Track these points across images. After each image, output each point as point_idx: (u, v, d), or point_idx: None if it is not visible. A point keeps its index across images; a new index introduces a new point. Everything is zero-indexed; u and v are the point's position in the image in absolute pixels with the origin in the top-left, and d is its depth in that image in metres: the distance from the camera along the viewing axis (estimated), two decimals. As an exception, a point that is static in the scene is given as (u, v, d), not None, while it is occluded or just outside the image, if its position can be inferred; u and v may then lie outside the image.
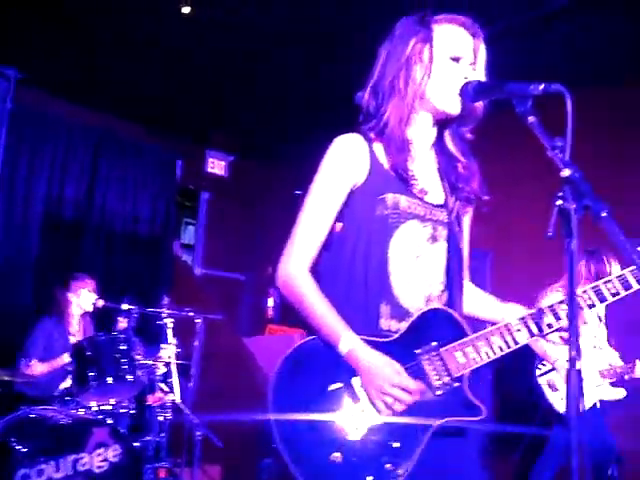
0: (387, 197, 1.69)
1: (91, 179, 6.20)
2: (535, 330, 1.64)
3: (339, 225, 1.73)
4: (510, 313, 1.72)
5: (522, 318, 1.65)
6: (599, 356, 4.01)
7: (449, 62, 1.72)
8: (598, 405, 3.90)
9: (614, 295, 1.67)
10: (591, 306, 1.67)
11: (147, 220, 6.56)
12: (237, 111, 6.33)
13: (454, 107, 1.72)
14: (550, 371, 3.99)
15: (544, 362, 4.01)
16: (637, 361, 3.91)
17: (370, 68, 1.82)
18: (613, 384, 3.95)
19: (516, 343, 1.63)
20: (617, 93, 4.94)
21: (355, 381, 1.59)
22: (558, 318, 1.65)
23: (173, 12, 4.61)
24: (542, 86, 1.48)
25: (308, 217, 1.72)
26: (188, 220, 8.29)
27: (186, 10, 4.62)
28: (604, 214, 1.31)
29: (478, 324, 1.84)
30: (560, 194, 1.36)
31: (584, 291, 1.66)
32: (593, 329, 4.05)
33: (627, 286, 1.66)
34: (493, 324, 1.69)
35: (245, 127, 6.76)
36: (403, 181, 1.72)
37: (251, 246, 7.32)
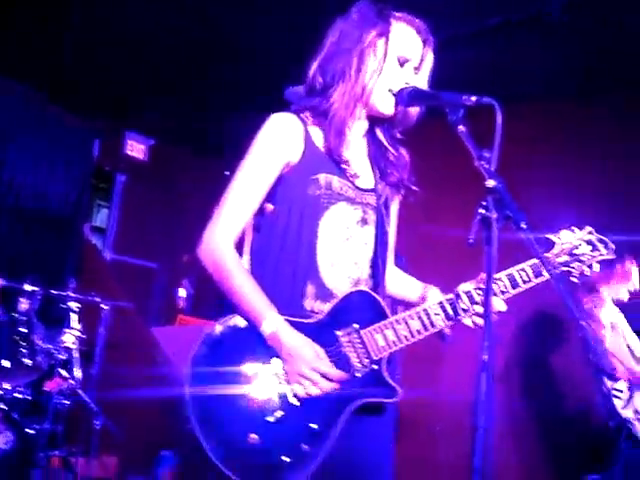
0: (320, 177, 1.71)
1: (2, 150, 5.87)
2: (451, 313, 1.70)
3: (270, 207, 1.73)
4: (430, 296, 1.81)
5: (440, 302, 1.71)
6: None
7: (395, 63, 1.76)
8: None
9: (525, 282, 1.75)
10: (503, 292, 1.73)
11: (57, 200, 6.27)
12: (159, 94, 6.16)
13: (388, 108, 1.76)
14: (631, 398, 3.81)
15: (616, 387, 3.83)
16: None
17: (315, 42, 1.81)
18: None
19: (433, 326, 1.69)
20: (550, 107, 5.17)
21: (275, 362, 1.59)
22: (473, 302, 1.71)
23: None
24: (474, 97, 1.54)
25: (238, 190, 1.70)
26: (101, 202, 8.00)
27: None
28: (523, 225, 1.37)
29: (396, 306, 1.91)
30: (483, 203, 1.41)
31: (499, 278, 1.73)
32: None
33: (538, 273, 1.74)
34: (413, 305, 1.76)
35: (167, 111, 6.59)
36: (336, 163, 1.74)
37: (166, 234, 7.15)
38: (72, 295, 4.26)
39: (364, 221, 1.79)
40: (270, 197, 1.73)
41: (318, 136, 1.77)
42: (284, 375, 1.59)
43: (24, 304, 4.19)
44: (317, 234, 1.71)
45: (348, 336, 1.64)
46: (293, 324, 1.60)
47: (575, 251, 1.82)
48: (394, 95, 1.74)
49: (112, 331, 4.61)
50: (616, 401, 3.81)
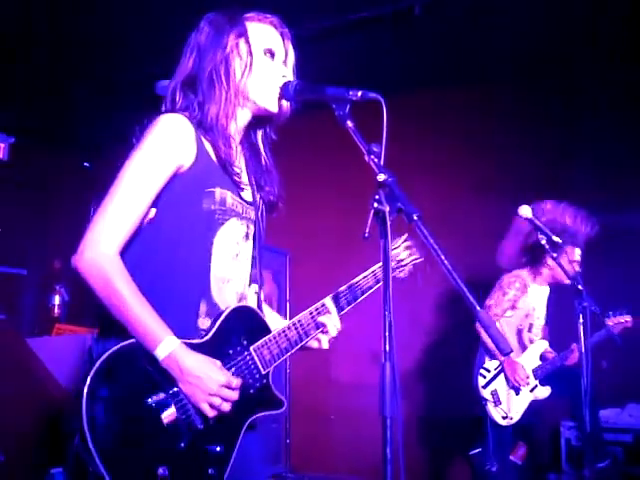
0: (216, 191, 1.65)
1: None
2: (319, 321, 1.77)
3: (152, 211, 1.61)
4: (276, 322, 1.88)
5: (310, 312, 1.78)
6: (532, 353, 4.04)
7: (265, 57, 1.75)
8: None
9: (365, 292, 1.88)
10: (348, 304, 1.85)
11: None
12: (16, 88, 5.74)
13: (273, 105, 1.75)
14: (494, 379, 3.92)
15: (486, 366, 3.94)
16: (575, 345, 3.91)
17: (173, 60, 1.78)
18: (542, 382, 3.97)
19: (307, 335, 1.76)
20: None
21: (179, 387, 1.52)
22: (340, 308, 1.81)
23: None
24: (360, 92, 1.56)
25: (124, 193, 1.53)
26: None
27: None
28: (416, 217, 1.41)
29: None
30: (376, 197, 1.44)
31: (339, 293, 1.84)
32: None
33: (370, 286, 1.88)
34: None
35: (27, 106, 6.16)
36: (229, 177, 1.70)
37: (35, 238, 6.71)
38: None
39: (247, 236, 1.78)
40: (154, 200, 1.60)
41: (208, 145, 1.68)
42: (189, 398, 1.51)
43: None
44: (211, 251, 1.65)
45: (240, 355, 1.64)
46: (186, 345, 1.53)
47: (398, 257, 1.99)
48: (280, 89, 1.73)
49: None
50: (480, 379, 3.95)
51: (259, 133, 1.87)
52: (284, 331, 1.72)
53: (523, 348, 4.07)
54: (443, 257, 1.36)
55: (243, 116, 1.78)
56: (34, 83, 5.60)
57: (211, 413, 1.52)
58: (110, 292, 1.48)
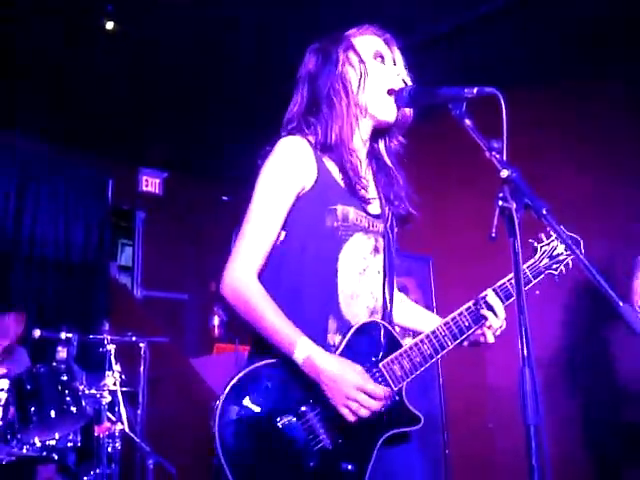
0: (337, 208, 1.67)
1: (18, 205, 5.96)
2: (457, 332, 1.70)
3: (282, 233, 1.67)
4: (433, 322, 1.82)
5: (445, 322, 1.71)
6: None
7: (376, 62, 1.75)
8: None
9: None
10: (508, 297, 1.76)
11: (80, 244, 6.35)
12: (169, 127, 6.23)
13: (390, 114, 1.74)
14: None
15: None
16: None
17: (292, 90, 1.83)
18: None
19: (443, 348, 1.68)
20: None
21: (305, 408, 1.55)
22: (477, 320, 1.72)
23: (96, 28, 4.49)
24: (476, 89, 1.51)
25: (255, 221, 1.62)
26: (124, 241, 8.08)
27: (110, 26, 4.51)
28: (544, 211, 1.33)
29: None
30: (500, 194, 1.38)
31: (498, 287, 1.76)
32: None
33: (527, 280, 1.79)
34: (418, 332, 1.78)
35: (177, 142, 6.65)
36: (351, 192, 1.70)
37: (191, 264, 7.19)
38: (108, 337, 4.30)
39: (376, 250, 1.76)
40: (283, 223, 1.67)
41: (330, 163, 1.71)
42: (329, 401, 1.52)
43: (62, 352, 4.24)
44: (337, 268, 1.66)
45: (369, 372, 1.60)
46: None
47: (554, 252, 1.84)
48: (394, 96, 1.72)
49: (152, 367, 4.64)
50: None
51: (382, 143, 1.86)
52: (416, 345, 1.67)
53: None
54: (578, 251, 1.27)
55: (365, 128, 1.78)
56: (180, 119, 6.05)
57: (351, 417, 1.51)
58: (249, 310, 1.56)
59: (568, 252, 1.85)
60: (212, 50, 4.87)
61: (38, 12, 4.33)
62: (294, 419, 1.53)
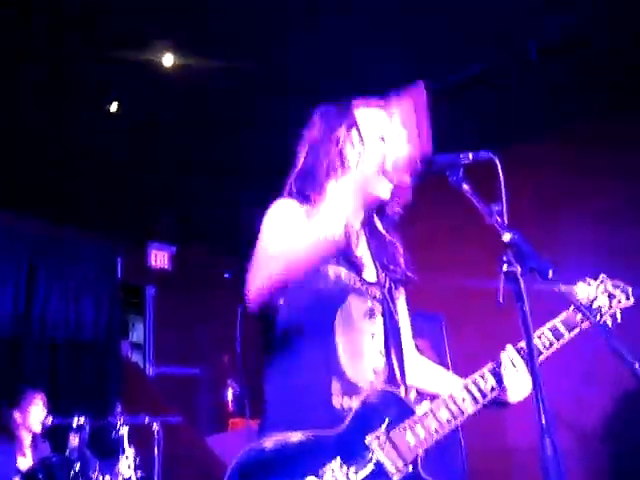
0: (329, 269, 1.68)
1: (28, 288, 5.98)
2: (478, 396, 1.63)
3: (280, 301, 1.68)
4: (452, 384, 1.72)
5: (465, 385, 1.64)
6: None
7: (376, 143, 1.76)
8: None
9: (548, 347, 1.70)
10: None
11: (90, 324, 6.33)
12: (175, 201, 6.32)
13: (385, 192, 1.76)
14: None
15: None
16: None
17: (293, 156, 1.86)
18: None
19: (462, 413, 1.61)
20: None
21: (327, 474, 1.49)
22: (500, 381, 1.65)
23: (100, 109, 4.62)
24: (471, 155, 1.52)
25: (267, 249, 1.65)
26: (135, 317, 8.06)
27: (113, 108, 4.63)
28: (550, 274, 1.31)
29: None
30: (504, 259, 1.37)
31: (521, 348, 1.68)
32: None
33: (558, 335, 1.69)
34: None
35: (185, 216, 6.73)
36: (343, 256, 1.72)
37: (203, 337, 7.14)
38: (120, 420, 4.21)
39: (372, 313, 1.74)
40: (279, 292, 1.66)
41: None
42: None
43: (74, 440, 4.15)
44: (334, 329, 1.65)
45: (377, 440, 1.54)
46: (319, 438, 1.51)
47: (594, 305, 1.76)
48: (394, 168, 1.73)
49: (167, 449, 4.53)
50: None
51: (377, 216, 1.88)
52: (432, 411, 1.61)
53: None
54: (595, 319, 1.24)
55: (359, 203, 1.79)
56: (191, 194, 6.14)
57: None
58: (276, 260, 1.57)
59: (615, 303, 1.76)
60: (214, 125, 4.99)
61: (40, 92, 4.46)
62: None
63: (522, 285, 1.32)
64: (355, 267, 1.74)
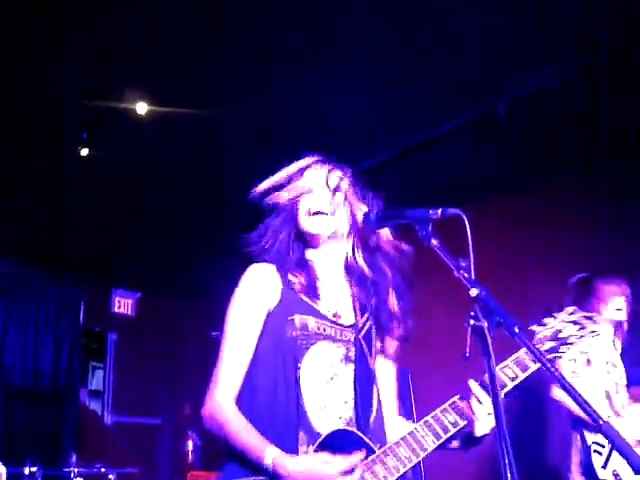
0: (295, 318, 1.69)
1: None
2: (440, 431, 1.61)
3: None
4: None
5: (425, 422, 1.62)
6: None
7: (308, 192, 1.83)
8: None
9: (513, 379, 1.68)
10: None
11: (49, 370, 6.15)
12: (140, 248, 6.26)
13: (312, 229, 1.79)
14: (610, 456, 3.18)
15: (597, 440, 3.20)
16: None
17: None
18: None
19: (423, 450, 1.58)
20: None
21: None
22: (462, 415, 1.63)
23: (71, 153, 4.60)
24: (440, 210, 1.55)
25: (230, 349, 1.70)
26: (95, 364, 7.86)
27: (84, 152, 4.62)
28: (517, 329, 1.33)
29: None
30: (472, 313, 1.39)
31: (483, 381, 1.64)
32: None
33: (524, 368, 1.69)
34: None
35: (149, 263, 6.66)
36: (313, 303, 1.74)
37: (165, 387, 6.98)
38: (75, 470, 4.08)
39: (348, 359, 1.73)
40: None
41: (294, 278, 1.78)
42: None
43: (25, 490, 4.00)
44: (299, 379, 1.64)
45: None
46: None
47: (560, 335, 1.78)
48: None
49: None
50: (595, 458, 3.20)
51: (359, 255, 1.86)
52: (391, 448, 1.58)
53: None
54: (557, 372, 1.26)
55: (313, 244, 1.85)
56: (157, 241, 6.10)
57: None
58: (222, 429, 1.60)
59: (583, 332, 1.77)
60: (181, 173, 5.01)
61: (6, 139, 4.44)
62: None
63: (489, 340, 1.34)
64: (326, 314, 1.74)
